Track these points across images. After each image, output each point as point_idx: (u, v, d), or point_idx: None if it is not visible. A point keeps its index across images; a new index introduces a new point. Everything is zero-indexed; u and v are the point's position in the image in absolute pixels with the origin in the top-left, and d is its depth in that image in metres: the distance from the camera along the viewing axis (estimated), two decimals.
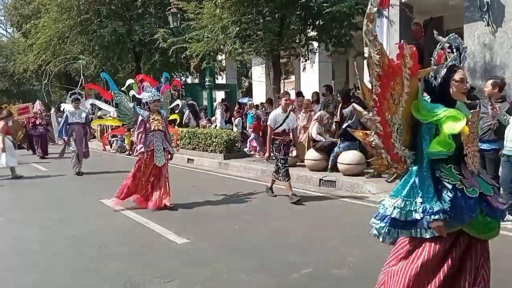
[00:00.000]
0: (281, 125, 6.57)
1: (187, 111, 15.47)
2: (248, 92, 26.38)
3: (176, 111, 8.58)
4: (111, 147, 16.34)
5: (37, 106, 16.25)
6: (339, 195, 6.93)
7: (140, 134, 6.15)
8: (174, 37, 13.05)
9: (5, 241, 5.01)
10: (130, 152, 14.75)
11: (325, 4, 8.13)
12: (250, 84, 25.15)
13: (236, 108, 14.63)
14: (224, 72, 21.99)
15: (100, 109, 15.26)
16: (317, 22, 9.13)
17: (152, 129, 6.16)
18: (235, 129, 12.88)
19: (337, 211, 5.94)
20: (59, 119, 11.20)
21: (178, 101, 8.19)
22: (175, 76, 23.96)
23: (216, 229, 5.14)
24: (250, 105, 14.71)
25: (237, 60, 17.58)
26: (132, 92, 6.69)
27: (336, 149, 8.02)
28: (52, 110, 12.24)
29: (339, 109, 8.38)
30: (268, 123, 6.73)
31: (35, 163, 12.61)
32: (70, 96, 10.68)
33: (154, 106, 6.24)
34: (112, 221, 5.71)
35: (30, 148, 15.94)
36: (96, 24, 15.42)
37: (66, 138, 10.04)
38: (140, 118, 6.20)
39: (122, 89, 6.90)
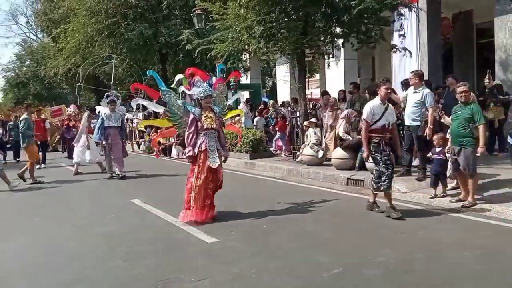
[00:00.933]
0: (379, 119, 5.54)
1: None
2: (272, 92, 26.34)
3: (239, 106, 7.82)
4: (139, 148, 16.64)
5: (71, 108, 16.22)
6: (368, 194, 6.81)
7: (191, 135, 5.50)
8: (199, 38, 13.18)
9: (40, 239, 5.18)
10: (158, 153, 14.98)
11: (353, 2, 8.00)
12: (274, 84, 25.10)
13: (259, 108, 14.65)
14: (249, 72, 22.05)
15: (129, 110, 15.48)
16: (343, 19, 9.02)
17: (205, 127, 5.48)
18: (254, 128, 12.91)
19: (365, 211, 5.85)
20: (94, 121, 10.82)
21: (240, 93, 7.25)
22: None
23: (244, 229, 5.16)
24: (272, 104, 14.65)
25: (262, 60, 17.57)
26: (181, 89, 5.93)
27: None
28: (86, 114, 11.53)
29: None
30: (363, 117, 5.67)
31: (68, 165, 12.97)
32: (106, 98, 10.09)
33: (206, 103, 5.52)
34: (142, 220, 5.82)
35: (65, 150, 16.07)
36: (124, 27, 15.75)
37: (103, 142, 9.77)
38: (191, 116, 5.53)
39: (172, 85, 6.23)
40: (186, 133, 5.56)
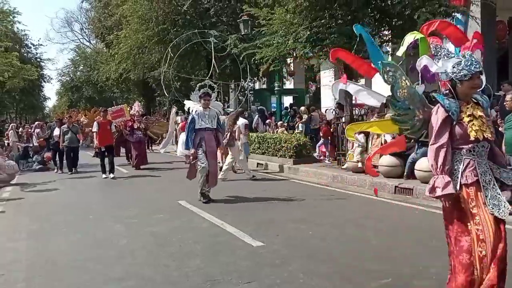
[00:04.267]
0: None
1: (256, 116, 15.74)
2: (316, 97, 26.14)
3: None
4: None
5: (135, 107, 13.75)
6: (417, 204, 6.63)
7: (443, 151, 2.78)
8: (245, 43, 13.35)
9: (95, 236, 5.42)
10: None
11: (406, 11, 7.84)
12: (318, 89, 24.92)
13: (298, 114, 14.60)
14: (293, 76, 22.07)
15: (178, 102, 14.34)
16: (393, 23, 8.87)
17: (471, 139, 2.78)
18: (296, 132, 12.88)
19: (415, 220, 5.68)
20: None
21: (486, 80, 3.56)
22: (243, 81, 24.52)
23: (289, 234, 5.15)
24: (304, 111, 14.51)
25: (305, 65, 17.55)
26: (424, 61, 3.06)
27: (413, 155, 7.67)
28: (173, 110, 9.67)
29: None
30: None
31: (118, 166, 13.48)
32: (198, 90, 7.44)
33: (471, 88, 2.83)
34: (190, 221, 5.96)
35: (126, 155, 13.95)
36: (173, 34, 16.25)
37: (192, 151, 7.05)
38: (440, 113, 2.83)
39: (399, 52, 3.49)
40: (432, 147, 2.82)
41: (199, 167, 7.10)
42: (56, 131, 12.78)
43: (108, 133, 11.11)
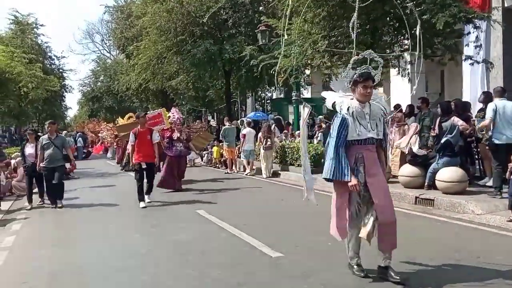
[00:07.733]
0: None
1: (273, 125, 15.76)
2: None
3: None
4: (202, 160, 17.16)
5: (175, 114, 10.68)
6: (438, 215, 6.50)
7: None
8: (262, 53, 13.45)
9: (116, 245, 5.51)
10: (219, 166, 15.32)
11: (424, 16, 7.79)
12: None
13: (318, 122, 14.56)
14: (312, 86, 22.07)
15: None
16: (412, 32, 8.80)
17: None
18: (315, 142, 12.82)
19: (437, 232, 5.57)
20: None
21: None
22: (260, 91, 24.67)
23: (309, 245, 5.11)
24: (321, 120, 14.42)
25: (325, 74, 17.52)
26: None
27: (434, 165, 7.53)
28: (306, 110, 4.23)
29: (437, 122, 7.90)
30: None
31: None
32: (348, 71, 3.96)
33: None
34: (209, 231, 5.98)
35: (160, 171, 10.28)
36: (190, 44, 16.48)
37: (355, 182, 3.94)
38: None
39: None
40: None
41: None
42: (29, 149, 8.72)
43: (148, 145, 8.19)
